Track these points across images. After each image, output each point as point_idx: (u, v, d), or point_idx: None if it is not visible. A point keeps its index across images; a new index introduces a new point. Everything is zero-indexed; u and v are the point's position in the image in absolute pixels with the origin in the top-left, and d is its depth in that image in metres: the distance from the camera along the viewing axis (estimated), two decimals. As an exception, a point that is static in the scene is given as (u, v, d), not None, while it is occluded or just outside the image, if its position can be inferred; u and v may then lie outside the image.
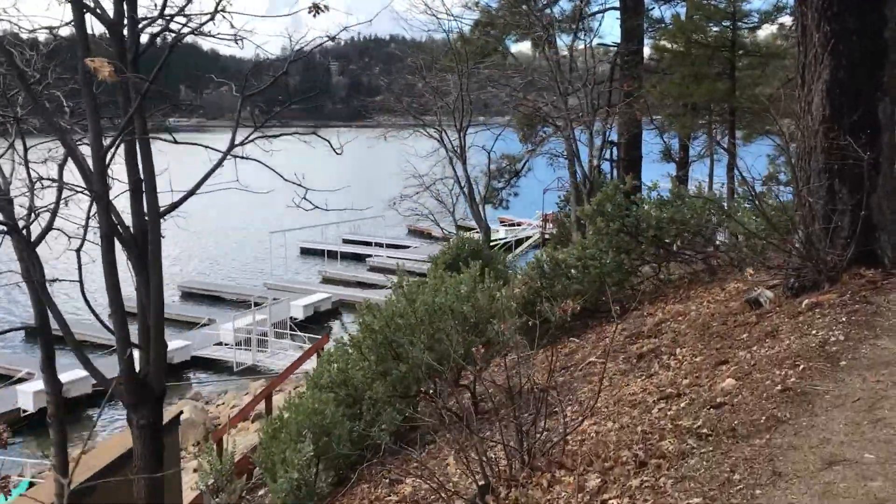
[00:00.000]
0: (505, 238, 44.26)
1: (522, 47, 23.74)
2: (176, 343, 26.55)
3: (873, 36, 6.88)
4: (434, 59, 19.08)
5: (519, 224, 48.92)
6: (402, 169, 20.71)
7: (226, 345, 27.55)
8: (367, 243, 46.37)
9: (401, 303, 7.40)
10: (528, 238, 45.68)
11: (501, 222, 47.23)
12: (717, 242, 10.60)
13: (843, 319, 5.91)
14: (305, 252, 46.99)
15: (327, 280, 40.12)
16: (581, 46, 18.05)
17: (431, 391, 7.38)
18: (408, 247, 45.76)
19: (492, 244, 43.04)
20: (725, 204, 12.76)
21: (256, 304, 28.93)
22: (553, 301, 10.45)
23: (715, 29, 15.26)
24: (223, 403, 22.29)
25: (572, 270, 10.67)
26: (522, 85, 17.36)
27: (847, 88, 6.93)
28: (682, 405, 5.36)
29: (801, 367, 5.10)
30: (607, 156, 21.60)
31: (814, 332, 5.85)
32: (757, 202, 7.26)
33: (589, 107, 14.30)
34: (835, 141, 6.96)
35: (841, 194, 7.06)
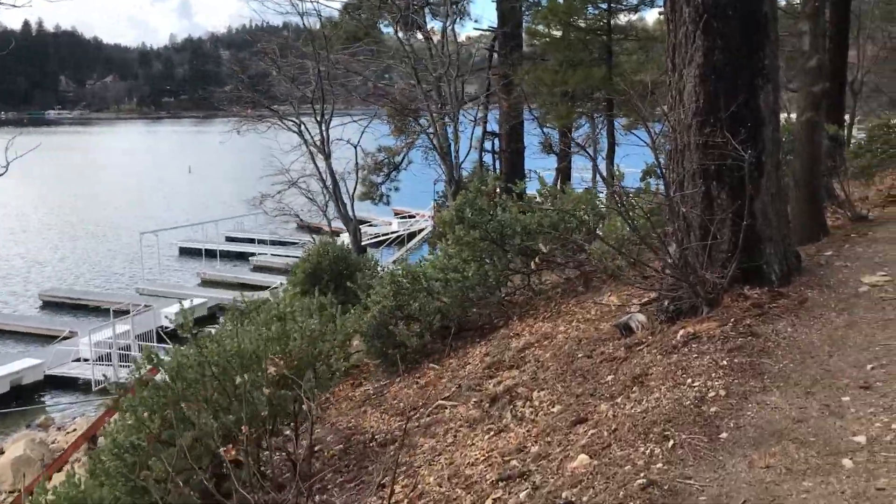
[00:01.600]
0: (397, 231, 42.85)
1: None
2: (25, 362, 23.88)
3: (752, 10, 5.76)
4: (287, 43, 17.34)
5: (413, 216, 47.58)
6: (269, 164, 18.94)
7: (85, 360, 24.98)
8: (251, 241, 43.96)
9: (196, 351, 5.84)
10: (421, 230, 44.34)
11: (396, 214, 45.76)
12: (592, 247, 9.46)
13: (725, 362, 4.76)
14: (185, 252, 44.03)
15: (206, 282, 37.57)
16: (457, 32, 16.72)
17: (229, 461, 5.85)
18: (295, 243, 43.63)
19: (382, 238, 41.62)
20: (604, 201, 11.72)
21: (121, 313, 26.46)
22: (411, 321, 9.11)
23: (593, 11, 14.28)
24: (75, 430, 19.98)
25: (435, 283, 9.33)
26: (386, 72, 15.92)
27: (724, 73, 5.80)
28: (522, 496, 4.05)
29: (672, 442, 3.88)
30: (489, 147, 20.48)
31: (689, 380, 4.66)
32: (623, 207, 6.06)
33: (453, 97, 13.03)
34: (711, 137, 5.83)
35: (720, 200, 5.95)
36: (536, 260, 8.46)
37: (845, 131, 26.69)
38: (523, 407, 5.80)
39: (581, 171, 21.89)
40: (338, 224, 20.46)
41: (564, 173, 18.69)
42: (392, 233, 42.70)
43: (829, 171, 9.16)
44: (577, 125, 18.45)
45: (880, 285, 5.91)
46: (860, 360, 4.56)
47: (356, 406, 8.53)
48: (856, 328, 5.09)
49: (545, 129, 17.48)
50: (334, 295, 10.71)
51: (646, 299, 6.95)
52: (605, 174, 14.48)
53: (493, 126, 20.62)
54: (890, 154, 16.77)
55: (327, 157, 15.89)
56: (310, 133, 16.17)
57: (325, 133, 15.84)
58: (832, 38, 20.21)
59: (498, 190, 11.22)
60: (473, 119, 21.27)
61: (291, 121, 16.70)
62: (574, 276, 9.58)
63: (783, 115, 14.57)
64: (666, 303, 6.15)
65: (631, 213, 6.17)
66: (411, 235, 43.58)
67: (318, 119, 15.79)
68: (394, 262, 21.14)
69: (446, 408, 6.74)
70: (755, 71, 5.78)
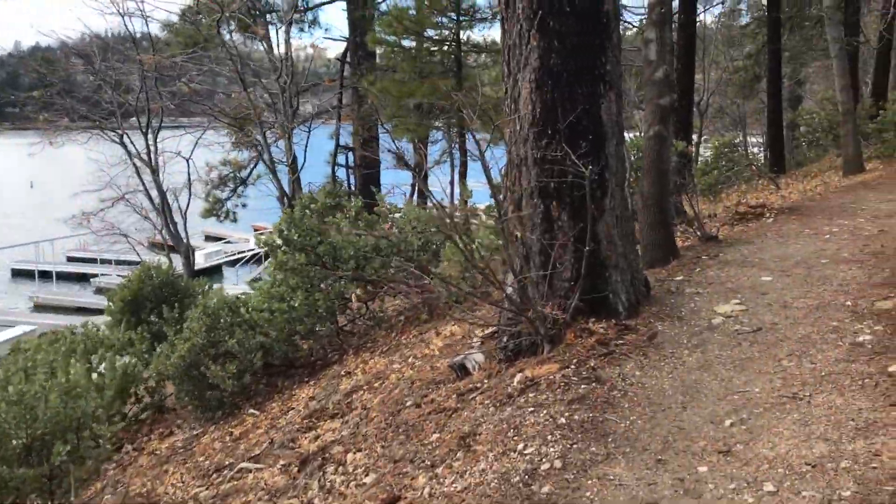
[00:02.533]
0: (254, 249, 40.81)
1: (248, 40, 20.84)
2: None
3: (592, 8, 5.07)
4: (107, 50, 15.59)
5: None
6: (98, 179, 17.06)
7: None
8: (94, 261, 40.59)
9: None
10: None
11: (255, 230, 43.58)
12: (437, 270, 8.62)
13: (564, 420, 3.96)
14: (18, 274, 40.10)
15: (40, 307, 34.24)
16: (301, 41, 15.57)
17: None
18: (140, 262, 40.59)
19: (239, 256, 39.38)
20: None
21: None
22: (229, 360, 7.92)
23: (440, 20, 13.61)
24: None
25: (259, 314, 8.19)
26: (218, 79, 14.60)
27: (561, 79, 5.07)
28: None
29: (491, 541, 3.00)
30: (342, 161, 19.44)
31: (521, 444, 3.83)
32: (454, 228, 5.21)
33: (286, 107, 11.95)
34: (549, 150, 5.08)
35: (560, 222, 5.21)
36: (358, 293, 7.52)
37: (693, 149, 27.59)
38: (335, 473, 4.80)
39: (442, 186, 21.26)
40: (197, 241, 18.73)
41: (420, 191, 17.94)
42: (249, 250, 40.62)
43: (677, 188, 8.76)
44: (433, 139, 17.78)
45: (734, 316, 5.35)
46: (717, 414, 3.87)
47: (159, 463, 7.25)
48: (711, 370, 4.44)
49: (397, 143, 16.69)
50: (161, 326, 9.36)
51: (489, 331, 6.17)
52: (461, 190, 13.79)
53: (348, 139, 19.62)
54: (735, 171, 17.10)
55: (154, 171, 14.33)
56: (134, 145, 14.54)
57: (150, 144, 14.26)
58: (680, 57, 20.62)
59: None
60: (333, 133, 20.22)
61: (113, 131, 14.98)
62: (419, 303, 8.71)
63: (630, 134, 14.38)
64: (505, 339, 5.36)
65: (465, 237, 5.32)
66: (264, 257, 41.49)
67: (144, 130, 14.18)
68: (250, 281, 19.59)
69: (251, 471, 5.64)
70: (596, 77, 5.10)
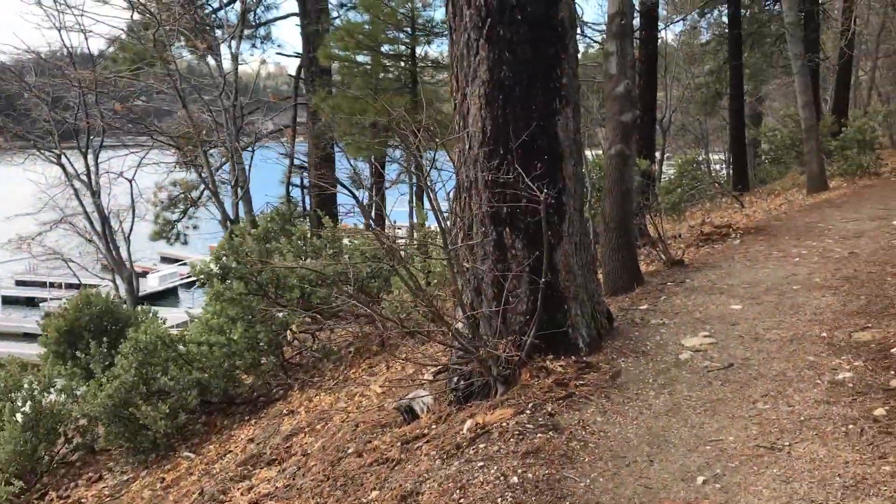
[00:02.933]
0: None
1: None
2: None
3: (546, 14, 4.65)
4: (43, 66, 14.81)
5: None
6: (39, 200, 16.27)
7: None
8: (43, 284, 39.30)
9: None
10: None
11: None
12: (388, 299, 8.11)
13: (516, 479, 3.48)
14: (-38, 300, 38.81)
15: (-15, 333, 33.03)
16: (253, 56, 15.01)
17: None
18: (97, 286, 39.46)
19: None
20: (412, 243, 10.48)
21: None
22: (163, 398, 7.32)
23: (394, 35, 13.15)
24: None
25: (197, 348, 7.60)
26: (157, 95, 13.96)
27: (513, 93, 4.63)
28: None
29: None
30: (297, 181, 18.87)
31: (467, 509, 3.34)
32: (396, 260, 4.73)
33: (231, 127, 11.38)
34: (500, 172, 4.63)
35: (514, 250, 4.75)
36: (294, 328, 6.99)
37: (657, 167, 27.52)
38: (261, 538, 4.26)
39: (401, 206, 20.85)
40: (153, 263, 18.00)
41: (377, 212, 17.46)
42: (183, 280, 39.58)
43: (640, 209, 8.38)
44: (390, 159, 17.29)
45: (703, 350, 4.93)
46: (688, 469, 3.42)
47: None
48: (679, 415, 4.00)
49: (353, 163, 16.20)
50: (99, 358, 8.70)
51: (440, 367, 5.68)
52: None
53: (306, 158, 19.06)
54: (698, 189, 16.89)
55: (95, 193, 13.60)
56: (73, 166, 13.78)
57: (90, 164, 13.53)
58: (642, 74, 20.48)
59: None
60: (285, 152, 19.66)
61: (51, 151, 14.21)
62: (369, 334, 8.19)
63: (592, 152, 14.04)
64: (455, 379, 4.87)
65: (405, 269, 4.84)
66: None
67: (83, 150, 13.45)
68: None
69: (173, 531, 5.07)
70: (551, 91, 4.67)
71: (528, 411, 4.18)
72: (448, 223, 4.82)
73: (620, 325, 5.57)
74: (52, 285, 38.85)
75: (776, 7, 21.64)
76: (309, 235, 8.13)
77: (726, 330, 5.29)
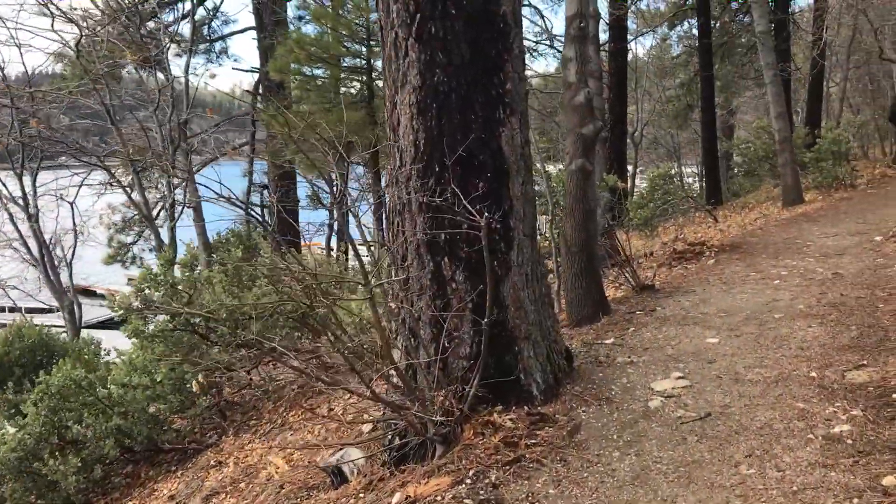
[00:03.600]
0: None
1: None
2: None
3: (486, 9, 3.99)
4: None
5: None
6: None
7: None
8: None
9: None
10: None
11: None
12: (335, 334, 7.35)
13: (442, 582, 2.76)
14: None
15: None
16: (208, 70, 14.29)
17: None
18: (52, 310, 37.99)
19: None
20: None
21: None
22: (77, 449, 6.51)
23: (350, 47, 12.44)
24: None
25: (118, 391, 6.81)
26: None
27: (449, 101, 3.96)
28: None
29: None
30: (257, 201, 18.11)
31: None
32: (309, 295, 4.04)
33: (167, 140, 10.62)
34: (437, 192, 3.95)
35: (455, 284, 4.06)
36: (200, 379, 6.25)
37: (629, 182, 27.08)
38: None
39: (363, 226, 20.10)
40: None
41: (338, 233, 16.74)
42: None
43: (608, 229, 7.75)
44: (353, 175, 16.58)
45: (676, 395, 4.26)
46: (657, 565, 2.74)
47: None
48: (648, 484, 3.32)
49: (314, 180, 15.49)
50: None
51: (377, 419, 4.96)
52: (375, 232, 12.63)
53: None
54: (671, 203, 16.36)
55: (31, 216, 12.75)
56: (6, 188, 12.94)
57: (26, 186, 12.70)
58: (612, 87, 20.03)
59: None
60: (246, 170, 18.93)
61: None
62: (314, 368, 7.43)
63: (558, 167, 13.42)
64: (389, 436, 4.16)
65: (318, 304, 4.14)
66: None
67: (18, 171, 12.61)
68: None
69: None
70: (494, 98, 4.00)
71: (468, 481, 3.48)
72: (378, 252, 4.13)
73: (583, 364, 4.89)
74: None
75: (746, 18, 21.31)
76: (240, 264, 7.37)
77: (702, 369, 4.63)
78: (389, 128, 4.18)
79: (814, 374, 4.32)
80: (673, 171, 24.91)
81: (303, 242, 17.39)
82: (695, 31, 22.03)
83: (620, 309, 6.28)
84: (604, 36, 21.93)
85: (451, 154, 3.86)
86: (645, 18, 27.12)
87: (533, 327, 4.21)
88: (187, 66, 12.65)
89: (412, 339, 4.07)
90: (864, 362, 4.35)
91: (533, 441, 3.79)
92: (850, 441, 3.45)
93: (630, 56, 23.57)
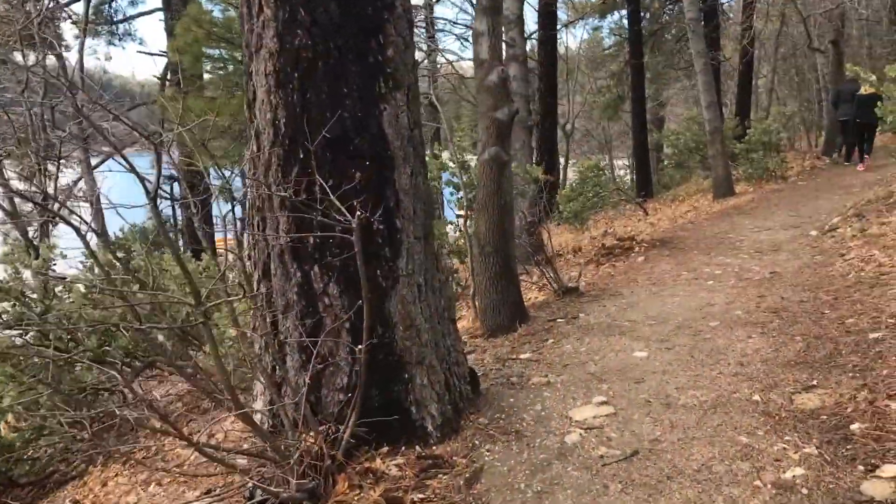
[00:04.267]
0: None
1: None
2: None
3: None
4: None
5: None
6: None
7: None
8: None
9: None
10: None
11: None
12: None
13: None
14: None
15: None
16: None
17: None
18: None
19: None
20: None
21: None
22: None
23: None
24: None
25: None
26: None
27: (315, 71, 3.15)
28: None
29: None
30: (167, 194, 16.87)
31: None
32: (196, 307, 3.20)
33: (40, 134, 9.51)
34: (302, 186, 3.15)
35: (328, 298, 3.27)
36: (104, 384, 5.35)
37: (560, 173, 26.69)
38: None
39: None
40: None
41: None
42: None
43: (529, 225, 7.06)
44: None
45: (598, 427, 3.57)
46: None
47: None
48: (558, 557, 2.60)
49: (223, 172, 14.44)
50: None
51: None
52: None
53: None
54: (601, 196, 15.89)
55: None
56: None
57: None
58: (542, 76, 19.47)
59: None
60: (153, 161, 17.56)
61: None
62: (188, 392, 6.59)
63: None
64: (250, 487, 3.35)
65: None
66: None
67: None
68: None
69: None
70: (372, 67, 3.21)
71: (333, 554, 2.70)
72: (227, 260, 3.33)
73: (492, 386, 4.17)
74: None
75: (676, 9, 21.02)
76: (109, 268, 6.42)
77: (629, 391, 3.96)
78: (246, 104, 3.37)
79: (757, 397, 3.69)
80: (604, 164, 24.58)
81: (217, 238, 16.32)
82: (626, 22, 21.69)
83: (541, 316, 5.59)
84: (534, 25, 21.38)
85: (319, 136, 3.06)
86: (577, 8, 26.74)
87: (427, 349, 3.46)
88: (81, 46, 11.51)
89: (282, 366, 3.27)
90: (814, 382, 3.74)
91: (422, 496, 3.04)
92: (805, 490, 2.81)
93: (563, 49, 23.14)
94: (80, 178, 14.08)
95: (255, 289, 3.39)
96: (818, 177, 14.57)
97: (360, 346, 3.05)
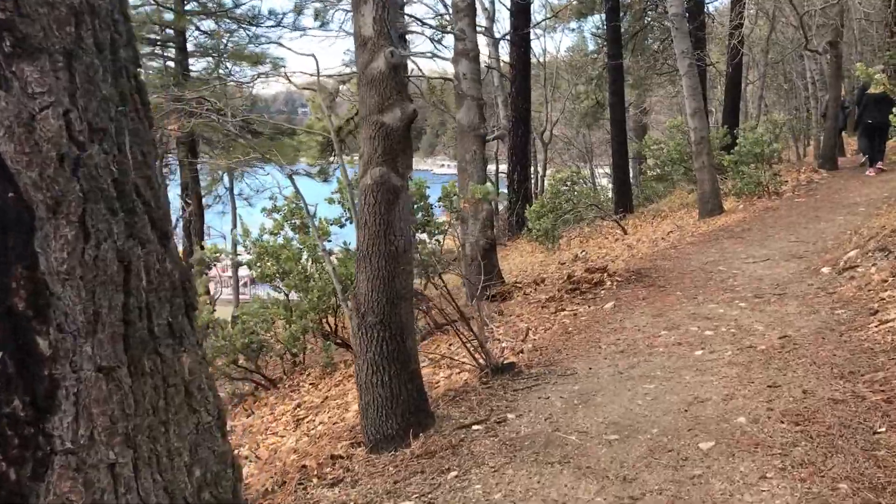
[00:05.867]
0: None
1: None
2: None
3: None
4: None
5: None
6: None
7: None
8: None
9: None
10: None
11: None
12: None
13: None
14: None
15: None
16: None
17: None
18: None
19: None
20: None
21: None
22: None
23: (149, 12, 9.77)
24: None
25: None
26: None
27: None
28: None
29: None
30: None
31: None
32: None
33: None
34: None
35: None
36: None
37: (537, 183, 25.01)
38: None
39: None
40: None
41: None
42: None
43: (483, 251, 5.31)
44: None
45: None
46: None
47: None
48: None
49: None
50: None
51: None
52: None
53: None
54: (574, 213, 14.23)
55: None
56: None
57: None
58: (514, 80, 17.77)
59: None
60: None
61: None
62: None
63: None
64: None
65: None
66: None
67: None
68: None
69: None
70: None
71: None
72: None
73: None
74: None
75: (659, 8, 19.43)
76: None
77: None
78: None
79: None
80: (584, 173, 22.96)
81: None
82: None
83: (453, 415, 3.82)
84: (506, 25, 19.67)
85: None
86: (554, 10, 25.20)
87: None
88: None
89: None
90: None
91: None
92: None
93: (544, 54, 21.55)
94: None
95: None
96: (816, 192, 12.94)
97: None
